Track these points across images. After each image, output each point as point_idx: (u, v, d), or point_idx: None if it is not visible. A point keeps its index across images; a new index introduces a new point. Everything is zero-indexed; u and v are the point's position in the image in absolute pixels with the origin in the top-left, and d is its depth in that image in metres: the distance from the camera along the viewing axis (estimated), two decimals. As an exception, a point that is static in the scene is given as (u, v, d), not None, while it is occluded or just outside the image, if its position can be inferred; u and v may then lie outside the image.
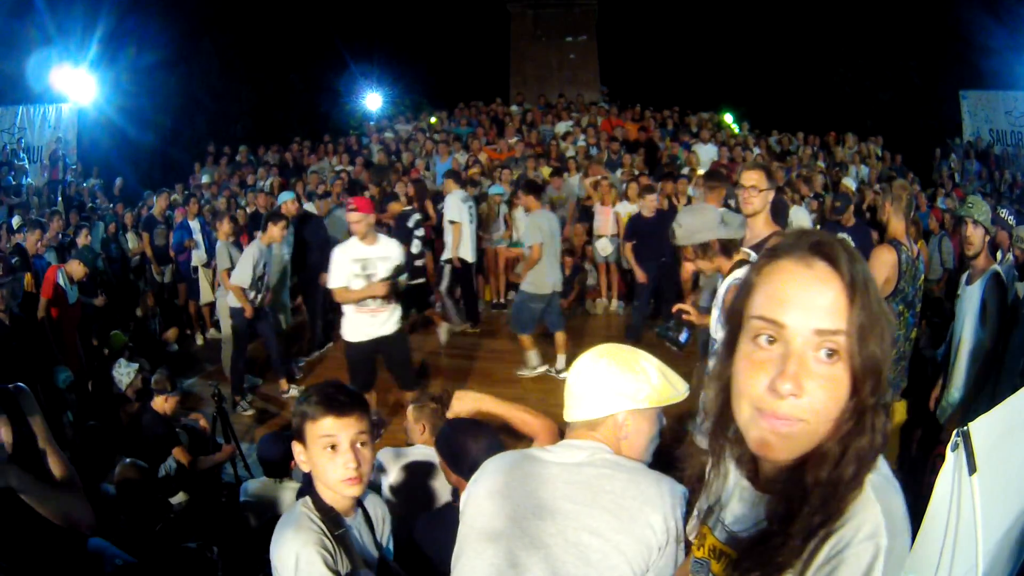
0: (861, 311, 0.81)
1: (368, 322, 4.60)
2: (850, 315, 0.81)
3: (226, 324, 6.02)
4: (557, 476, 1.45)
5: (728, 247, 2.70)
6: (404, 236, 6.58)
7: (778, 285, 0.84)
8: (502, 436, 2.24)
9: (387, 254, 4.63)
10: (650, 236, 6.67)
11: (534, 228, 5.83)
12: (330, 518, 1.63)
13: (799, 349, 0.81)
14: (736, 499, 0.98)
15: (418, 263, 6.83)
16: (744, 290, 0.90)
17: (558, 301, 6.17)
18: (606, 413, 1.50)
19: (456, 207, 6.99)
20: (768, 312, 0.84)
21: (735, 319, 0.90)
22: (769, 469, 0.91)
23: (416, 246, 6.78)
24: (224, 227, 6.43)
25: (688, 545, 1.34)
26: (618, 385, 1.49)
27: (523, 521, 1.42)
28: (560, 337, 6.03)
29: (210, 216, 8.17)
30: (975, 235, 3.29)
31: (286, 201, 6.59)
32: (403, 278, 4.74)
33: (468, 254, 7.18)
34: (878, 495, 0.82)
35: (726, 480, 1.00)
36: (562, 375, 5.92)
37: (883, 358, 0.82)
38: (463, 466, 2.07)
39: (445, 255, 7.19)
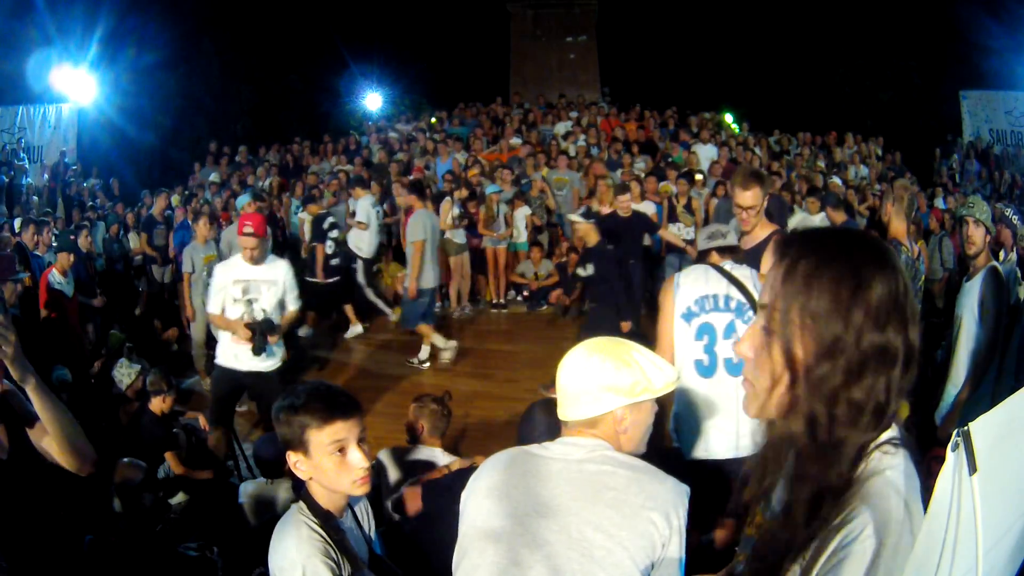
0: (789, 290, 0.90)
1: (245, 351, 4.14)
2: (780, 293, 0.91)
3: (197, 325, 6.14)
4: (558, 473, 1.45)
5: (701, 255, 2.96)
6: (319, 237, 7.02)
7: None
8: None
9: (274, 277, 4.20)
10: (625, 236, 6.57)
11: (417, 227, 6.12)
12: (328, 523, 1.59)
13: (755, 319, 0.97)
14: (777, 482, 1.03)
15: (333, 262, 7.11)
16: None
17: (434, 296, 6.68)
18: (604, 411, 1.49)
19: (365, 211, 7.35)
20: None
21: None
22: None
23: (330, 247, 7.06)
24: (201, 229, 6.30)
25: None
26: (613, 381, 1.48)
27: (525, 519, 1.42)
28: (425, 328, 6.32)
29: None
30: (976, 234, 3.28)
31: (244, 204, 6.62)
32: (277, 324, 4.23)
33: (371, 254, 7.54)
34: (888, 490, 0.83)
35: (765, 461, 1.06)
36: (424, 365, 6.29)
37: (806, 349, 0.88)
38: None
39: (364, 252, 7.42)
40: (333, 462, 1.56)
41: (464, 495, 1.54)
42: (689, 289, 2.79)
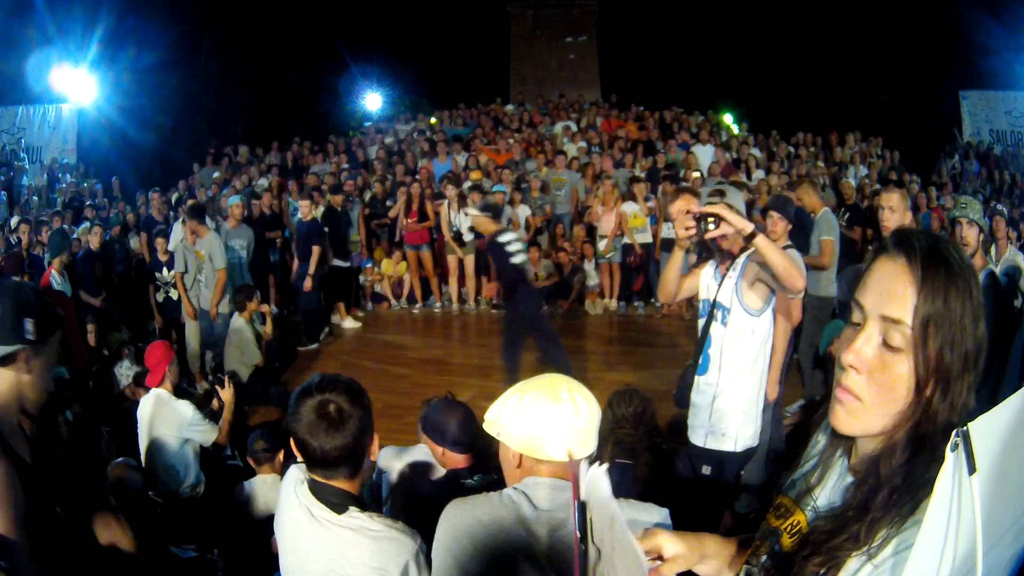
0: (930, 307, 0.83)
1: None
2: (916, 309, 0.83)
3: (190, 331, 6.25)
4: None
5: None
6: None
7: (869, 274, 0.92)
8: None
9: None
10: None
11: (218, 251, 6.06)
12: None
13: (868, 330, 0.88)
14: (827, 477, 1.01)
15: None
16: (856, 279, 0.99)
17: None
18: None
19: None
20: (857, 295, 0.92)
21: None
22: (862, 452, 0.94)
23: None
24: (188, 229, 6.33)
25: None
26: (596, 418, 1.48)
27: None
28: None
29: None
30: (970, 235, 3.30)
31: (232, 205, 6.89)
32: None
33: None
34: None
35: (822, 457, 1.04)
36: None
37: (951, 363, 0.83)
38: (447, 438, 2.39)
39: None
40: None
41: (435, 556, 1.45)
42: None
